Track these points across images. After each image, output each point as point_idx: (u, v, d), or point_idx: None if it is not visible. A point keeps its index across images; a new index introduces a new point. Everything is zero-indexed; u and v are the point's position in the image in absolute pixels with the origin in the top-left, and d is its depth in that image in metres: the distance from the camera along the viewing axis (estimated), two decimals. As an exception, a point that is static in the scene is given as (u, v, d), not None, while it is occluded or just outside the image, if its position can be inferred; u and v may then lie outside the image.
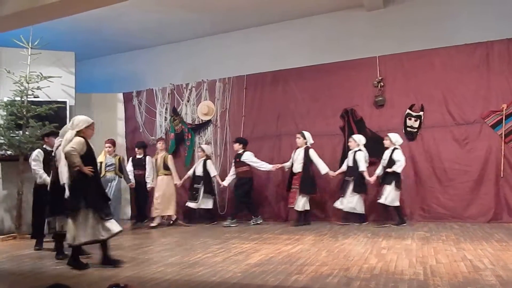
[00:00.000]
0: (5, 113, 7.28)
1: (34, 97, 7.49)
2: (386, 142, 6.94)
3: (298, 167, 7.33)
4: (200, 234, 6.71)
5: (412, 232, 5.98)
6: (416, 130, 7.32)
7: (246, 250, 5.10)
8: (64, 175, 4.56)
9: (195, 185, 7.99)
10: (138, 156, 8.06)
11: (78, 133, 4.47)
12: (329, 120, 7.89)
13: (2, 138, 7.11)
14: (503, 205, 6.74)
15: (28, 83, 7.40)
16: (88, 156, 4.48)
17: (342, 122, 7.79)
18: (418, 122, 7.30)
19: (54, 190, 4.98)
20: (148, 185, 7.89)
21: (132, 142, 9.13)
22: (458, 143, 7.08)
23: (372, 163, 7.20)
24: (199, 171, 8.01)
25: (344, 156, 7.48)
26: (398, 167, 6.66)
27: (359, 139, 7.23)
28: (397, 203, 6.73)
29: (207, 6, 7.92)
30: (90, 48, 9.64)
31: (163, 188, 7.84)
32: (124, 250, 5.34)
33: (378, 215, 7.14)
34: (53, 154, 5.24)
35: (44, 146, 6.00)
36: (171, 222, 7.98)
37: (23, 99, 7.37)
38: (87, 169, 4.40)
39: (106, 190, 5.64)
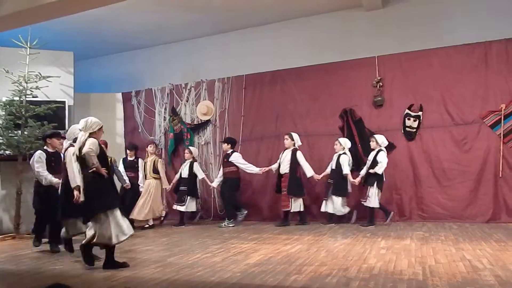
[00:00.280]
0: (3, 113, 7.27)
1: (33, 97, 7.48)
2: (372, 144, 6.99)
3: (285, 168, 7.36)
4: (199, 234, 6.71)
5: (411, 232, 5.99)
6: (415, 130, 7.33)
7: (245, 250, 5.10)
8: (77, 178, 4.55)
9: (182, 188, 7.93)
10: (129, 158, 8.01)
11: (91, 135, 4.45)
12: (328, 120, 7.89)
13: (0, 138, 7.12)
14: (501, 205, 6.75)
15: (26, 83, 7.39)
16: (101, 158, 4.45)
17: (341, 122, 7.79)
18: (417, 122, 7.31)
19: (66, 193, 4.93)
20: (141, 189, 7.84)
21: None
22: (457, 143, 7.09)
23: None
24: (185, 173, 7.96)
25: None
26: (379, 169, 6.71)
27: (344, 143, 7.27)
28: (376, 205, 6.78)
29: (206, 6, 7.91)
30: (89, 48, 9.62)
31: (150, 192, 7.71)
32: (123, 250, 5.33)
33: (363, 215, 7.18)
34: (62, 157, 5.19)
35: (45, 147, 5.89)
36: (161, 220, 7.99)
37: (21, 99, 7.36)
38: (103, 170, 4.38)
39: None
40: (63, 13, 5.49)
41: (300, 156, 7.35)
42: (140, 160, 8.03)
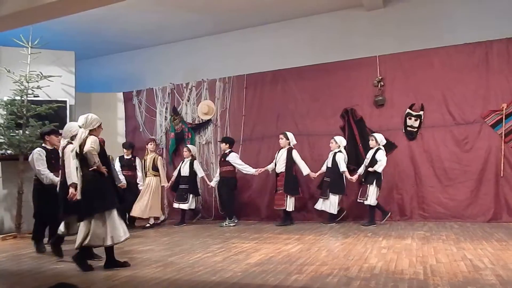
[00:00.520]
0: (5, 113, 7.28)
1: (34, 97, 7.49)
2: (372, 142, 7.00)
3: (280, 168, 7.39)
4: (200, 234, 6.71)
5: (412, 232, 5.99)
6: (416, 129, 7.32)
7: (246, 250, 5.10)
8: (73, 175, 4.50)
9: (182, 186, 7.93)
10: (126, 157, 7.99)
11: (91, 132, 4.40)
12: (329, 120, 7.89)
13: (2, 137, 7.11)
14: (503, 205, 6.74)
15: (28, 82, 7.40)
16: (101, 156, 4.39)
17: (342, 122, 7.79)
18: (418, 121, 7.30)
19: (64, 191, 4.84)
20: (140, 187, 7.83)
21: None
22: (458, 142, 7.08)
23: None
24: (185, 172, 7.96)
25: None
26: (378, 167, 6.72)
27: (340, 141, 7.29)
28: (374, 203, 6.79)
29: (206, 6, 7.91)
30: (90, 47, 9.63)
31: (151, 190, 7.69)
32: (124, 250, 5.34)
33: (358, 214, 7.21)
34: (60, 154, 5.09)
35: (44, 144, 5.79)
36: (159, 222, 7.92)
37: (23, 99, 7.37)
38: (104, 169, 4.33)
39: None
40: (63, 13, 5.49)
41: (295, 154, 7.37)
42: (137, 159, 8.02)
